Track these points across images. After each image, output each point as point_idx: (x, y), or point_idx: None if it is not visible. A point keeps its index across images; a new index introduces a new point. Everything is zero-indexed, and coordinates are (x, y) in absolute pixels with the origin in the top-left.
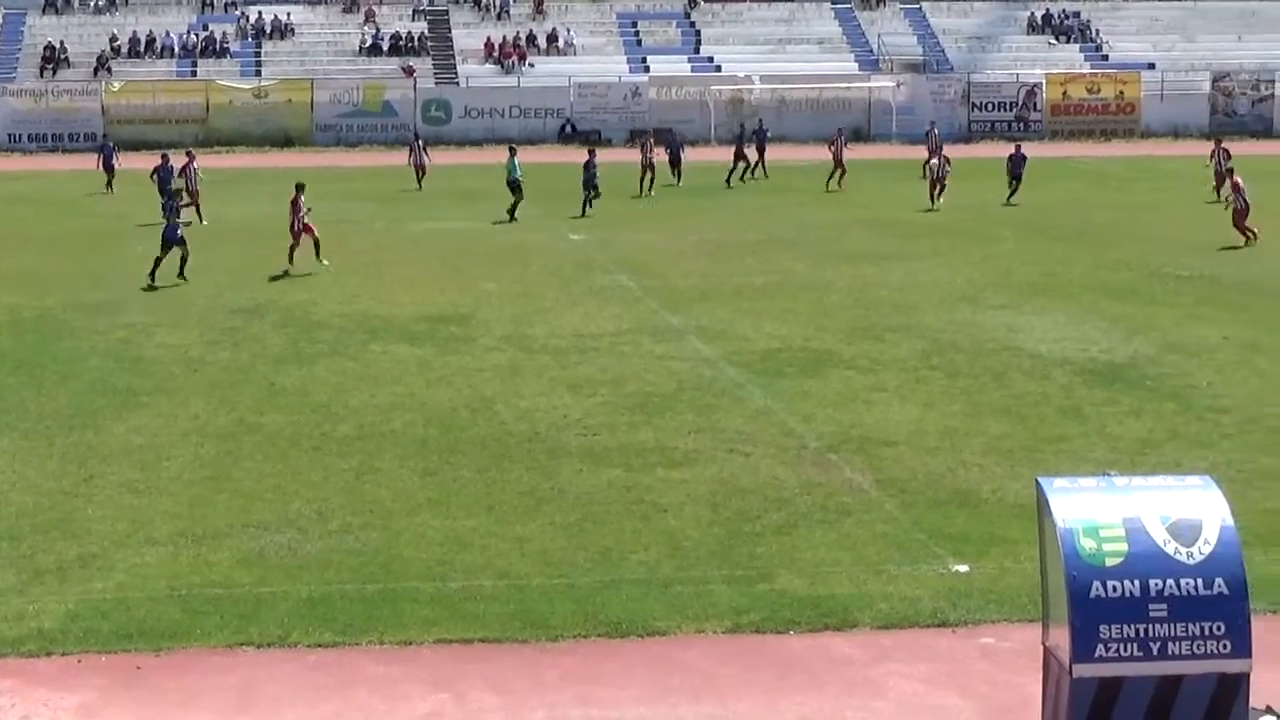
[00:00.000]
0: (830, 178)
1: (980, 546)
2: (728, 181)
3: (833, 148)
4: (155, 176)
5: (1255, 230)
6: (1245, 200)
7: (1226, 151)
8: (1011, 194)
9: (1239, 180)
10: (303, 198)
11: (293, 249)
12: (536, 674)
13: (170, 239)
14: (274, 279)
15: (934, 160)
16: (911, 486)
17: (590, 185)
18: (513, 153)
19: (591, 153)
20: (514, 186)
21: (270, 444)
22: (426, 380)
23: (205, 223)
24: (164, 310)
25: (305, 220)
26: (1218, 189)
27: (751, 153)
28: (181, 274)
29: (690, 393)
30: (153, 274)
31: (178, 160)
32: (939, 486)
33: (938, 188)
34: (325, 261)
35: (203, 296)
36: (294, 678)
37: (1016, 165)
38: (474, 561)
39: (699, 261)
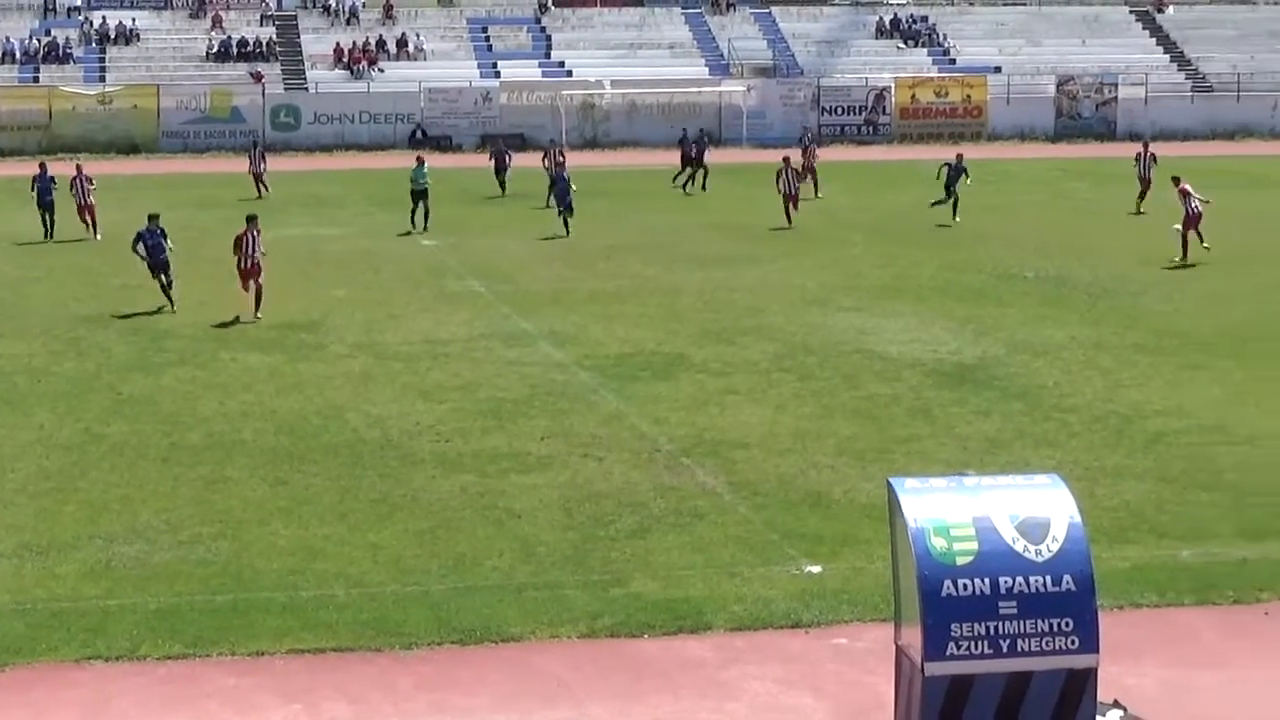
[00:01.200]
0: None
1: (833, 547)
2: (676, 182)
3: (805, 156)
4: (34, 188)
5: (1201, 246)
6: (1194, 209)
7: (1154, 156)
8: (953, 209)
9: (1187, 188)
10: (257, 232)
11: (252, 287)
12: (390, 683)
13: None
14: (123, 288)
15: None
16: (764, 489)
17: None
18: (420, 162)
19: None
20: (419, 195)
21: (118, 454)
22: (277, 388)
23: (100, 237)
24: (5, 320)
25: (258, 258)
26: (1141, 196)
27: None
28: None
29: (543, 398)
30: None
31: (59, 170)
32: (791, 488)
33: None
34: (260, 316)
35: (46, 305)
36: (144, 691)
37: (952, 179)
38: (326, 570)
39: (551, 266)
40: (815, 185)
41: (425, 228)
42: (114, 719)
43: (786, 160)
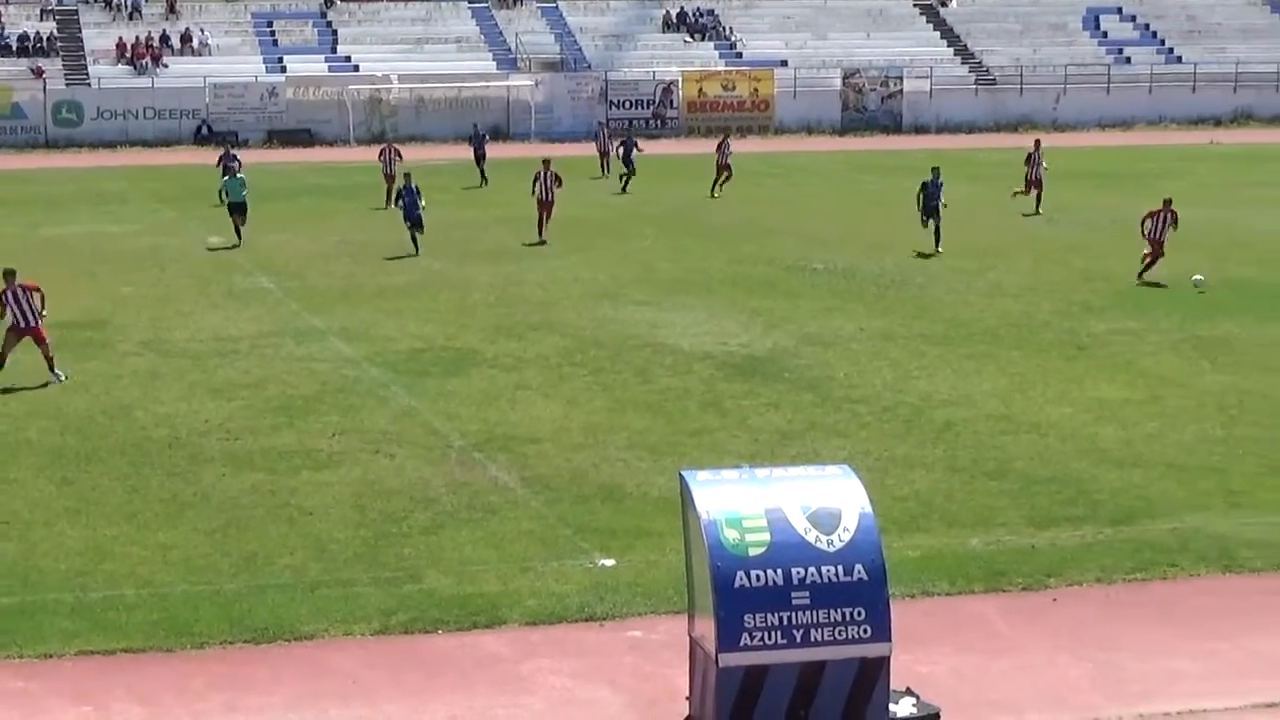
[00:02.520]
0: (715, 183)
1: (626, 540)
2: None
3: (719, 154)
4: None
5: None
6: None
7: (1038, 150)
8: (935, 236)
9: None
10: (18, 289)
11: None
12: (183, 683)
13: None
14: None
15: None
16: (557, 483)
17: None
18: (231, 170)
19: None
20: (239, 208)
21: None
22: (62, 387)
23: None
24: None
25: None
26: (1026, 192)
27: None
28: None
29: (334, 394)
30: None
31: None
32: (584, 482)
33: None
34: (62, 374)
35: None
36: None
37: (931, 197)
38: (116, 570)
39: (340, 262)
40: (724, 182)
41: (238, 243)
42: None
43: (546, 163)
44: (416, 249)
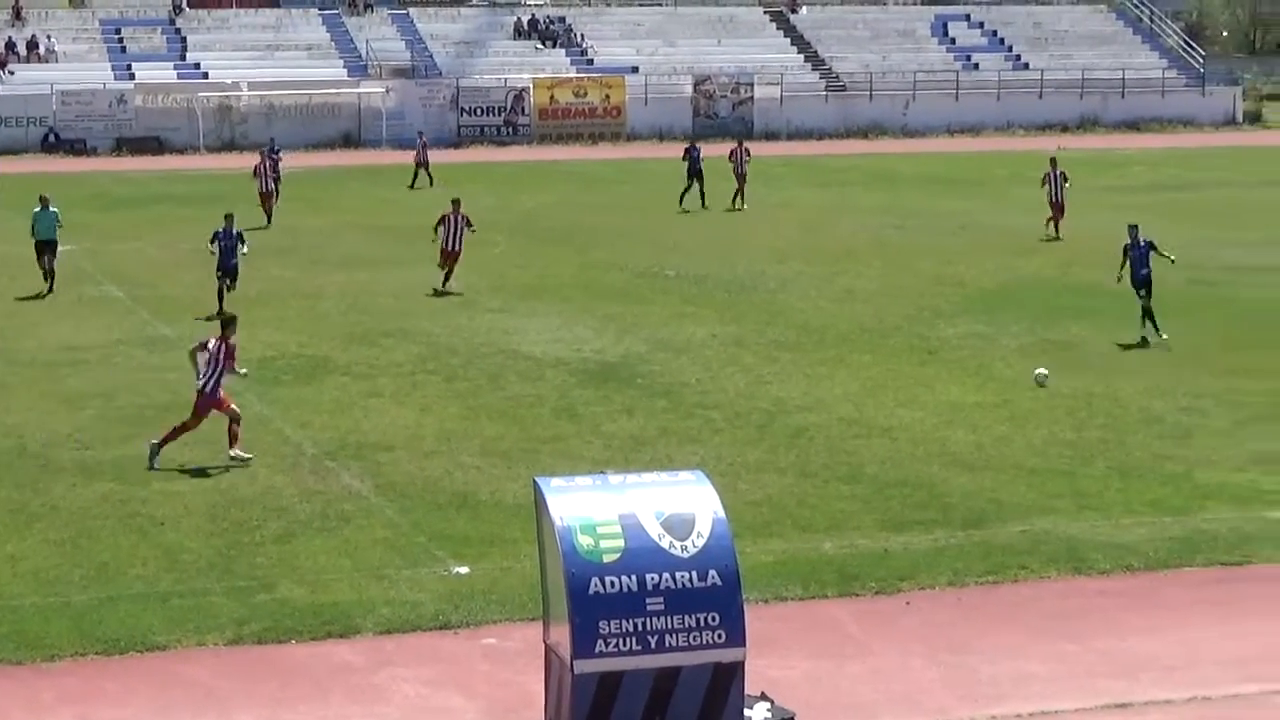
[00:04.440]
0: (736, 195)
1: (480, 548)
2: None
3: (733, 161)
4: None
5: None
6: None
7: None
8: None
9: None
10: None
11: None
12: (33, 696)
13: None
14: None
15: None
16: (410, 491)
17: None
18: (45, 204)
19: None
20: (48, 246)
21: None
22: None
23: None
24: None
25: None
26: (1053, 217)
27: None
28: None
29: (185, 404)
30: None
31: None
32: (438, 490)
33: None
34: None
35: None
36: None
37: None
38: None
39: (191, 270)
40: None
41: (51, 288)
42: None
43: (455, 204)
44: (220, 305)
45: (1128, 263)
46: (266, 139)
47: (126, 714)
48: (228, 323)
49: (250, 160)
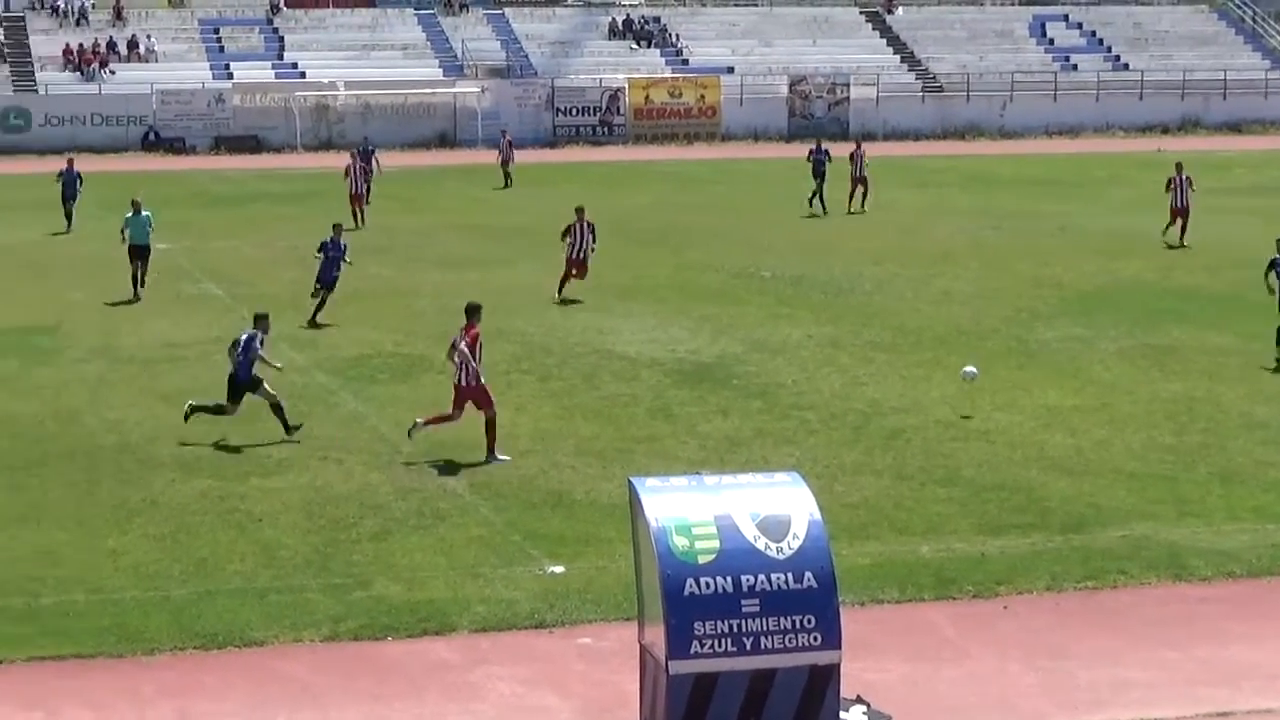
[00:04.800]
0: (851, 197)
1: (575, 547)
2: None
3: (853, 164)
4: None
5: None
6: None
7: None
8: None
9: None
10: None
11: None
12: (133, 689)
13: None
14: None
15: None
16: (506, 489)
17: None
18: (138, 208)
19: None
20: (141, 252)
21: None
22: (12, 393)
23: None
24: None
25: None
26: (1173, 223)
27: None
28: None
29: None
30: None
31: None
32: (532, 489)
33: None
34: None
35: None
36: None
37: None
38: (65, 576)
39: (289, 269)
40: (865, 196)
41: (137, 296)
42: None
43: (580, 212)
44: (315, 317)
45: (1274, 276)
46: (362, 138)
47: (225, 708)
48: (472, 310)
49: (344, 160)
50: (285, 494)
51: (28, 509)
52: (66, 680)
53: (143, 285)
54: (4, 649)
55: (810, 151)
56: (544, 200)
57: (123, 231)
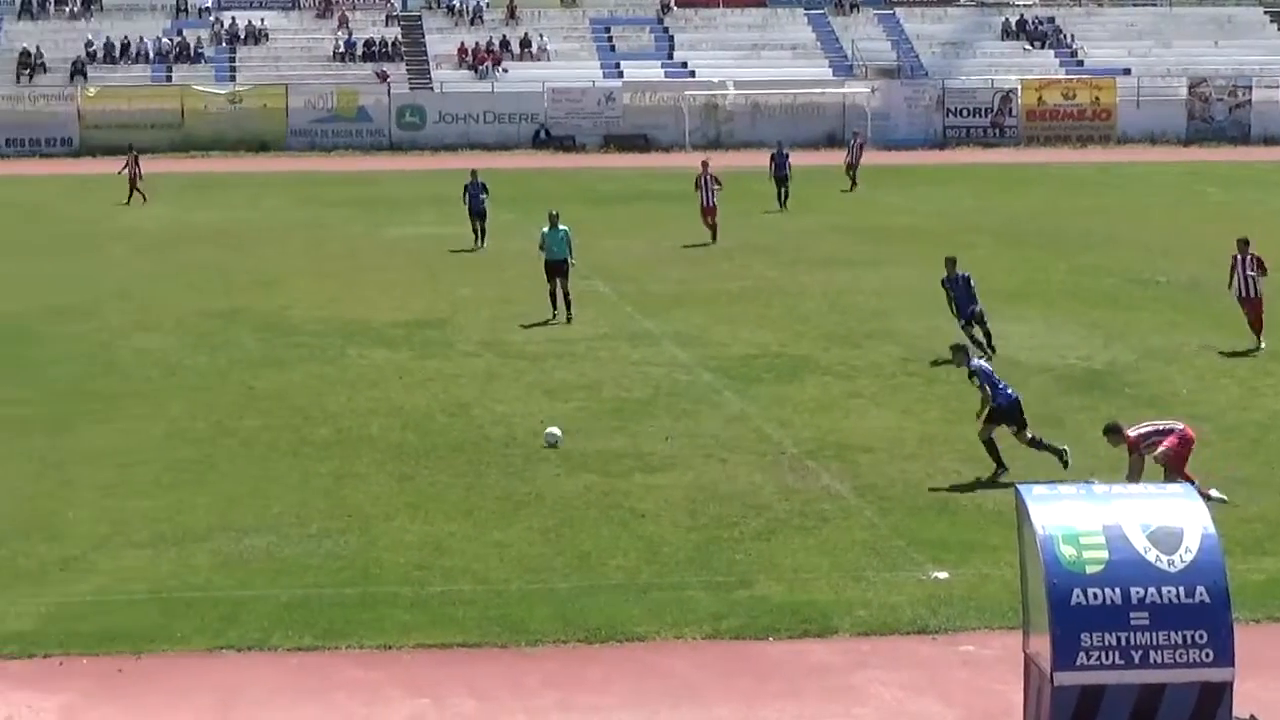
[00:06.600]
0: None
1: (960, 553)
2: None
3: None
4: (465, 195)
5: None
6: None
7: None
8: None
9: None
10: None
11: None
12: (516, 679)
13: None
14: (249, 283)
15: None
16: (890, 493)
17: None
18: (554, 222)
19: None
20: (560, 268)
21: (248, 448)
22: (404, 385)
23: None
24: (138, 314)
25: None
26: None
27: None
28: None
29: (666, 398)
30: None
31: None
32: (918, 493)
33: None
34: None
35: (177, 301)
36: (275, 681)
37: None
38: (452, 566)
39: (674, 267)
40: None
41: (569, 317)
42: (246, 708)
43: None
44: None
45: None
46: (753, 138)
47: (606, 702)
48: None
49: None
50: (669, 491)
51: (417, 499)
52: (452, 668)
53: (569, 305)
54: (393, 636)
55: None
56: (932, 201)
57: (541, 245)
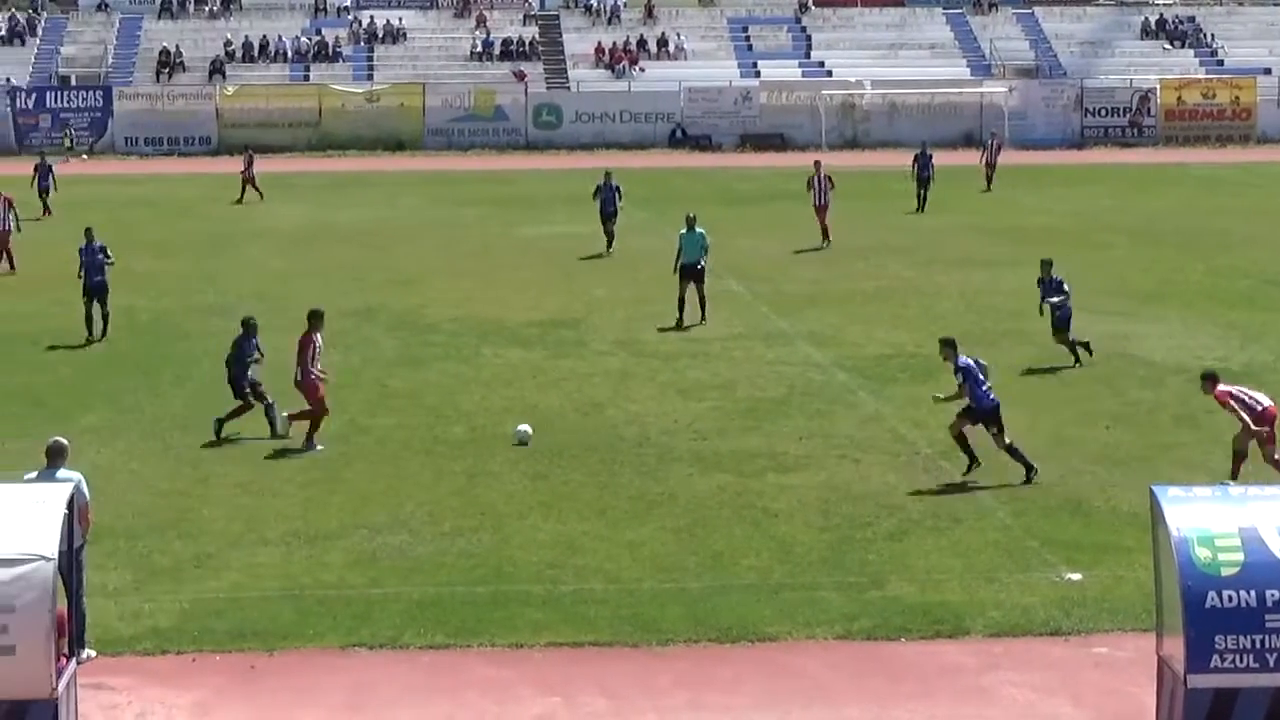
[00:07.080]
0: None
1: (1093, 555)
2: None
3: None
4: (596, 197)
5: None
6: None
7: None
8: None
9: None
10: (319, 335)
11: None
12: (647, 679)
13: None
14: (384, 282)
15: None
16: (1023, 493)
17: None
18: (691, 225)
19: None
20: (696, 273)
21: (382, 446)
22: (537, 384)
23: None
24: (274, 314)
25: (318, 372)
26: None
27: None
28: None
29: (800, 398)
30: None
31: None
32: (1051, 494)
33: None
34: (320, 446)
35: (313, 299)
36: (406, 679)
37: None
38: (585, 565)
39: (808, 267)
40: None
41: (703, 317)
42: (378, 705)
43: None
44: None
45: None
46: (890, 138)
47: (737, 701)
48: (312, 316)
49: (870, 158)
50: (801, 491)
51: (550, 498)
52: (584, 667)
53: (703, 306)
54: (525, 634)
55: None
56: (1069, 201)
57: (679, 248)
